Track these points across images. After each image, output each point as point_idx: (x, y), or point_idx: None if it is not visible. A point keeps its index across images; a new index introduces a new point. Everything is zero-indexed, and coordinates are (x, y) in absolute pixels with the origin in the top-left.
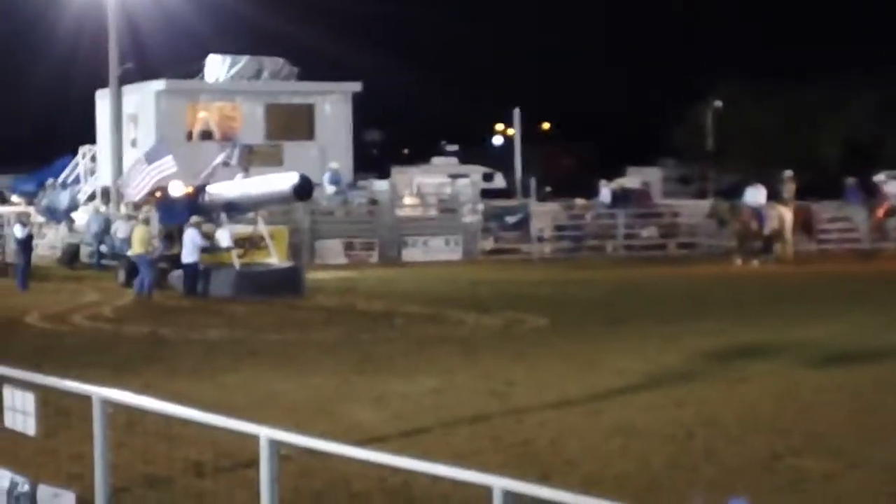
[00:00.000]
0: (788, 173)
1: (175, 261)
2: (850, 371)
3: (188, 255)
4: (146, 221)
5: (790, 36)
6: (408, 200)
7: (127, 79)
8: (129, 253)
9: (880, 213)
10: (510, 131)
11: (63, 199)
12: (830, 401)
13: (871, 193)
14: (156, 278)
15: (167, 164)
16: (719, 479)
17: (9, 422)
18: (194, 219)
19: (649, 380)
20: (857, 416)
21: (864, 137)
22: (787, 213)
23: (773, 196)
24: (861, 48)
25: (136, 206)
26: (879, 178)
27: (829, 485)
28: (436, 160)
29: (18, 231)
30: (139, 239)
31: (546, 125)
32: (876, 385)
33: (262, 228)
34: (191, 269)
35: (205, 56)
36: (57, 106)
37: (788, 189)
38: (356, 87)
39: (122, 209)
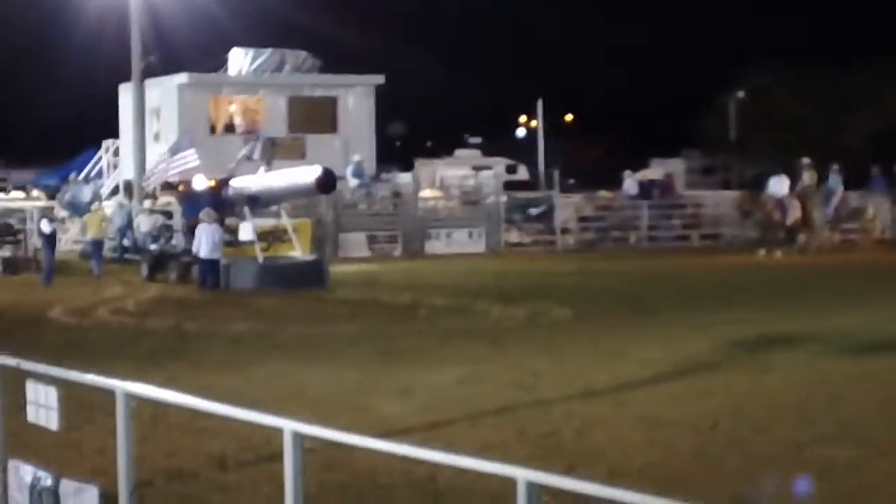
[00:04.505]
0: (806, 161)
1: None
2: (877, 360)
3: (205, 251)
4: (97, 208)
5: (819, 25)
6: (427, 193)
7: (150, 72)
8: (87, 237)
9: None
10: (534, 123)
11: (86, 193)
12: (857, 390)
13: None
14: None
15: (190, 158)
16: (745, 468)
17: (32, 416)
18: (204, 213)
19: (675, 370)
20: (885, 405)
21: (891, 126)
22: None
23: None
24: (892, 37)
25: (154, 198)
26: None
27: (857, 474)
28: (459, 152)
29: (46, 226)
30: (92, 225)
31: (569, 117)
32: None
33: (286, 221)
34: (206, 265)
35: (228, 49)
36: (80, 100)
37: (810, 177)
38: (379, 79)
39: (146, 203)
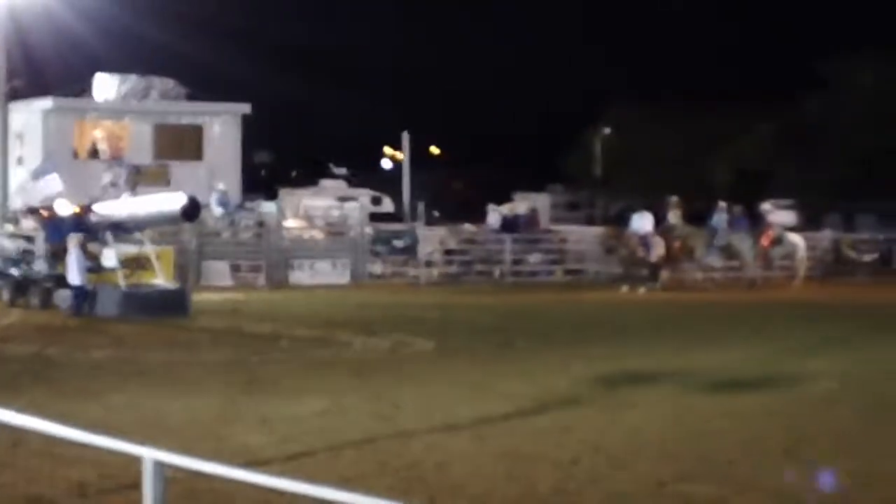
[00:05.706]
0: (673, 199)
1: (60, 280)
2: (736, 398)
3: (74, 276)
4: None
5: (684, 66)
6: (291, 222)
7: (14, 96)
8: None
9: (765, 241)
10: (400, 155)
11: None
12: (718, 427)
13: (757, 222)
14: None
15: (53, 183)
16: None
17: None
18: (74, 238)
19: (536, 404)
20: (745, 442)
21: (754, 166)
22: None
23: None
24: (756, 78)
25: (16, 222)
26: (765, 206)
27: None
28: (324, 182)
29: None
30: None
31: (435, 149)
32: (763, 412)
33: (149, 249)
34: (78, 291)
35: (94, 74)
36: None
37: (675, 215)
38: (245, 108)
39: (8, 227)
